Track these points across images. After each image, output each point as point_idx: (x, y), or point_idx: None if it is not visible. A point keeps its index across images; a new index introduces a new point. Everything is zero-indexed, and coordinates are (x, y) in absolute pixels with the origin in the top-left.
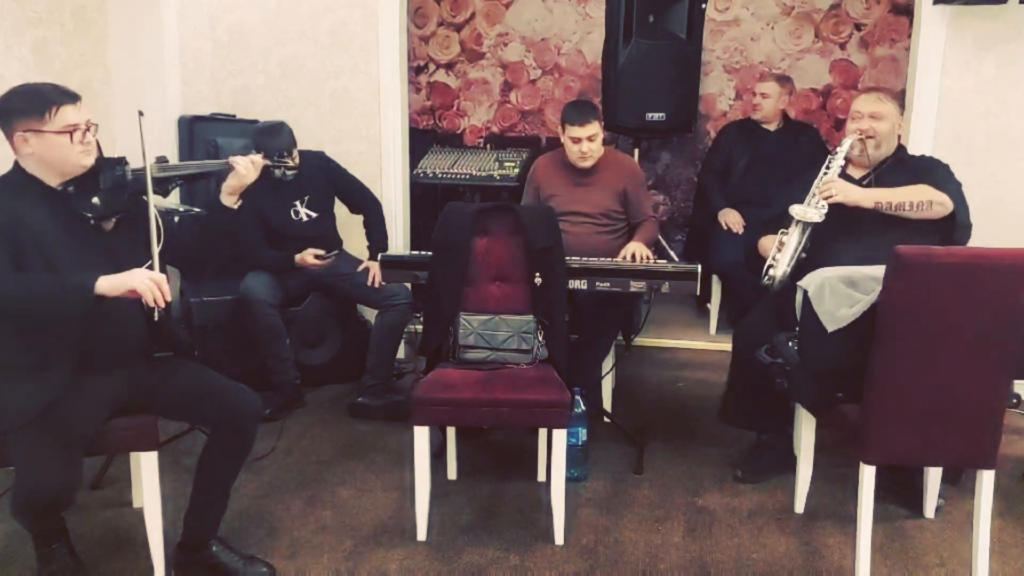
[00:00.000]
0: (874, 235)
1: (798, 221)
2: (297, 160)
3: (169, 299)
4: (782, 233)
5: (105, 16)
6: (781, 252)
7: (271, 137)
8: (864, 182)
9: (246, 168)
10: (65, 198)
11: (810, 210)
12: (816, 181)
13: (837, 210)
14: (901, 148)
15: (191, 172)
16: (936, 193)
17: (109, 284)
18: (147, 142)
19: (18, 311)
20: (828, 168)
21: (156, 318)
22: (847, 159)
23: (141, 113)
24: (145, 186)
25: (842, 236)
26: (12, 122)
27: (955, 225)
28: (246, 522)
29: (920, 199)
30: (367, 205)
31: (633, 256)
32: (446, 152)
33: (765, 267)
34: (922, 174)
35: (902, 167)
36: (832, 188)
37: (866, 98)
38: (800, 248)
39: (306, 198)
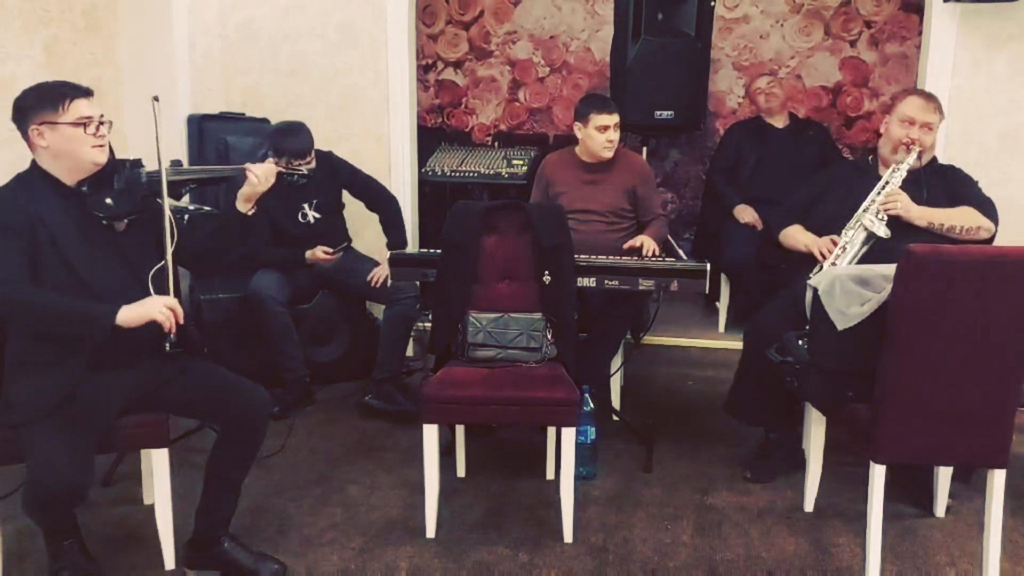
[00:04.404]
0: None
1: (865, 228)
2: (313, 164)
3: (181, 322)
4: (845, 232)
5: (116, 15)
6: (844, 252)
7: (290, 138)
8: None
9: (261, 178)
10: (79, 197)
11: (877, 222)
12: (875, 189)
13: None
14: (933, 156)
15: (205, 176)
16: (983, 219)
17: (127, 316)
18: (161, 133)
19: (34, 326)
20: (890, 180)
21: (168, 348)
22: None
23: (156, 99)
24: (158, 188)
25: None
26: (28, 117)
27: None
28: (256, 519)
29: (970, 224)
30: (382, 203)
31: (642, 247)
32: (454, 150)
33: (820, 264)
34: (958, 187)
35: (937, 176)
36: (898, 201)
37: (924, 106)
38: (859, 254)
39: (314, 201)
